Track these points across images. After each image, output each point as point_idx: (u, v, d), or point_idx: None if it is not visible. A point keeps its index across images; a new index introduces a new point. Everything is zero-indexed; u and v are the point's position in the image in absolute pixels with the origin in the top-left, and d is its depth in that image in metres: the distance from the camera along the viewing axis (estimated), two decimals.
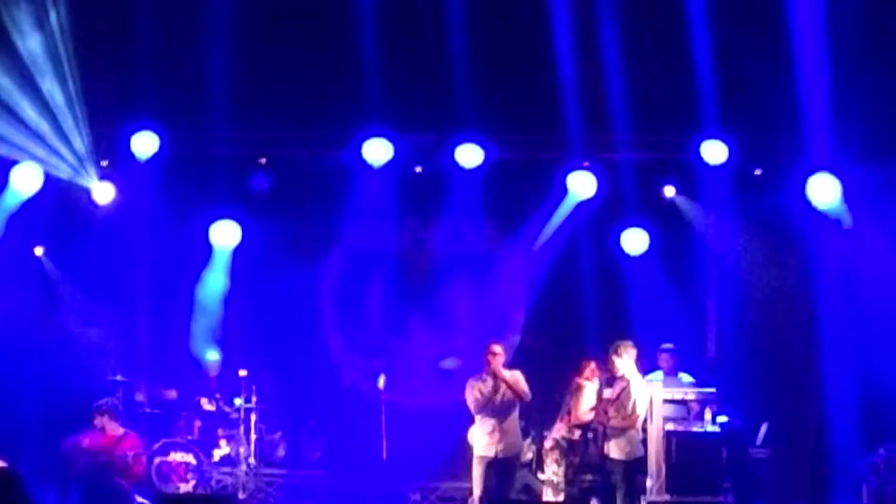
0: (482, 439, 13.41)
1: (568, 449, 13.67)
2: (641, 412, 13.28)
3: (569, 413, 13.65)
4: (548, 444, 13.56)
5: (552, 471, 13.67)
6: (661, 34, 15.15)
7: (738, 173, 15.65)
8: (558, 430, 13.79)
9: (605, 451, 13.22)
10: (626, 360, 13.32)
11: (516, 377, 13.45)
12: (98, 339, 16.09)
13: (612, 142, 15.73)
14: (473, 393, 13.43)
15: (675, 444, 13.59)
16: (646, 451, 13.41)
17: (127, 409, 14.78)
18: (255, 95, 15.50)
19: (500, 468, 13.38)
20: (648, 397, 13.41)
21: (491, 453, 13.34)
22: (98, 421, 14.02)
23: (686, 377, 14.89)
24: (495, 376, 13.38)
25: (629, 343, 13.48)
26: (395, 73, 15.29)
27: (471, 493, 13.60)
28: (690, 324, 15.89)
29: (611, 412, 13.27)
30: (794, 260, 15.77)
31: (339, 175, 16.10)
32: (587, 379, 13.66)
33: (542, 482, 14.12)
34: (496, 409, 13.37)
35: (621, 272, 15.96)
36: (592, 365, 13.76)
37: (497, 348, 13.52)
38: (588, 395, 13.46)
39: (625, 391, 13.23)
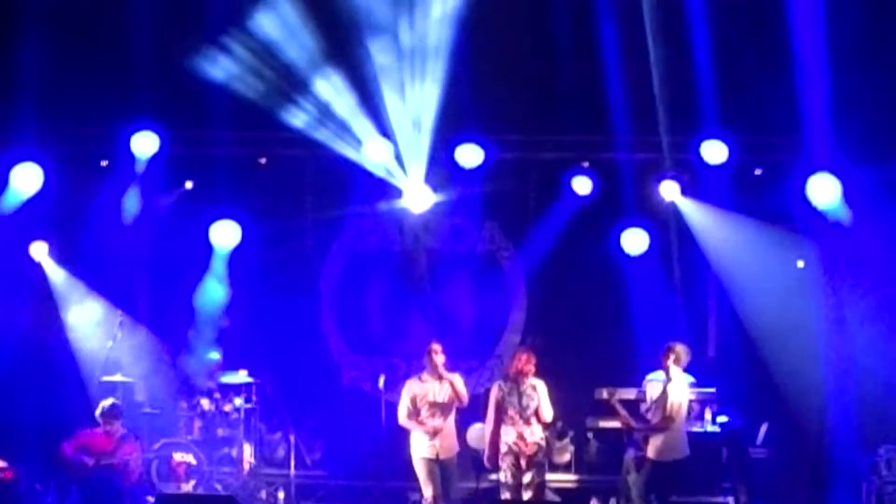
0: (423, 441, 13.17)
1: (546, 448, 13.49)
2: (677, 414, 13.18)
3: (535, 414, 13.22)
4: (531, 449, 13.16)
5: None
6: (661, 34, 15.13)
7: (738, 173, 15.64)
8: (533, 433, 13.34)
9: (646, 452, 13.23)
10: (672, 363, 13.29)
11: (455, 379, 13.28)
12: (98, 339, 16.07)
13: (612, 142, 15.72)
14: (408, 395, 13.20)
15: None
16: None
17: (127, 409, 14.76)
18: (255, 95, 15.51)
19: (443, 469, 13.19)
20: (686, 400, 13.39)
21: (433, 454, 13.14)
22: (110, 427, 14.03)
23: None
24: (440, 377, 13.21)
25: (683, 347, 13.42)
26: None
27: (421, 493, 13.27)
28: (690, 324, 15.86)
29: (649, 414, 13.31)
30: (794, 260, 15.75)
31: (339, 175, 16.09)
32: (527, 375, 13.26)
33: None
34: (437, 411, 13.23)
35: (621, 272, 15.94)
36: (529, 358, 13.24)
37: (438, 347, 13.33)
38: (543, 393, 13.20)
39: (663, 393, 13.21)
